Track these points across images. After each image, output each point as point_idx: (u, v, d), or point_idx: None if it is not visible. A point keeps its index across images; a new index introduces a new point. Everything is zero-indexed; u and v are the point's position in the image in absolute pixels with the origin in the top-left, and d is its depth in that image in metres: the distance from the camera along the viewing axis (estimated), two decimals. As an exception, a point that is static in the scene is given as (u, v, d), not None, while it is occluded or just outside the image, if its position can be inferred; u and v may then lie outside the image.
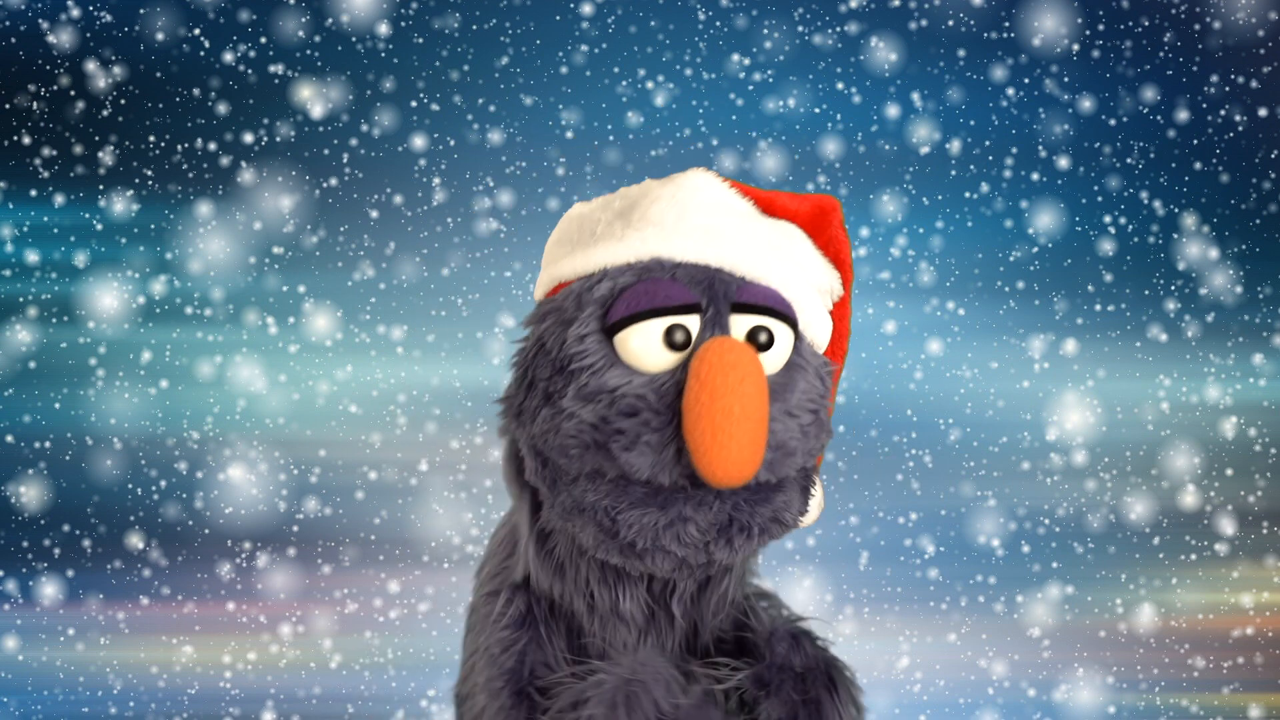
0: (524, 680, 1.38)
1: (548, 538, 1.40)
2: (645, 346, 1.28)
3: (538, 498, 1.38)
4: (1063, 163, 2.65)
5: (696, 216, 1.34)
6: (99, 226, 2.61)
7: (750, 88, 2.63)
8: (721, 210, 1.37)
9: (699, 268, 1.31)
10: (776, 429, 1.27)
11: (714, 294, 1.30)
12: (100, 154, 2.60)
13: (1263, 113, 2.64)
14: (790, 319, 1.33)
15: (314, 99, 2.61)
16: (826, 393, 1.36)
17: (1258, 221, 2.66)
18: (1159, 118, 2.65)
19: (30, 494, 2.58)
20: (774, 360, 1.31)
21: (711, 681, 1.36)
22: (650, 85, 2.63)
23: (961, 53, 2.64)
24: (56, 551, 2.58)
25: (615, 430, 1.25)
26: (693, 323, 1.28)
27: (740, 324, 1.30)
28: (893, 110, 2.64)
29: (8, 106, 2.60)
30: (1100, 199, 2.65)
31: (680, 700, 1.30)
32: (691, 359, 1.24)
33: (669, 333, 1.27)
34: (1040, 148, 2.65)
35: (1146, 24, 2.65)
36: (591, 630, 1.41)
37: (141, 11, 2.60)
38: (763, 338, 1.30)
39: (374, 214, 2.62)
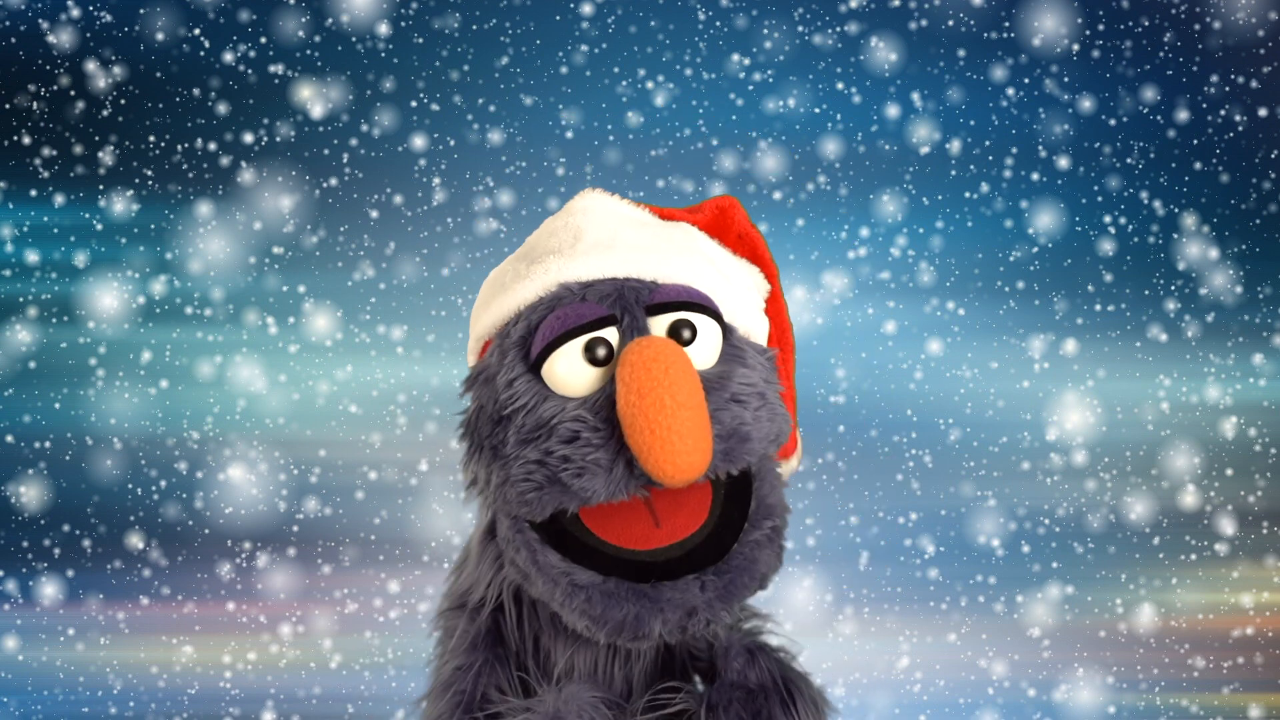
0: (474, 705, 1.38)
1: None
2: (570, 370, 1.27)
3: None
4: (1063, 163, 2.65)
5: (592, 234, 1.35)
6: (99, 226, 2.61)
7: (750, 88, 2.63)
8: (617, 221, 1.37)
9: (606, 281, 1.31)
10: (724, 417, 1.26)
11: (625, 302, 1.29)
12: (100, 154, 2.60)
13: (1263, 113, 2.64)
14: (711, 310, 1.31)
15: (314, 99, 2.61)
16: (771, 378, 1.34)
17: (1258, 221, 2.65)
18: (1159, 118, 2.65)
19: (30, 494, 2.58)
20: (704, 352, 1.30)
21: (650, 710, 1.34)
22: (650, 85, 2.63)
23: (961, 53, 2.64)
24: (56, 551, 2.58)
25: (561, 459, 1.23)
26: (612, 335, 1.28)
27: (659, 324, 1.29)
28: (893, 110, 2.64)
29: (8, 106, 2.60)
30: (1100, 199, 2.65)
31: None
32: (617, 368, 1.23)
33: (588, 349, 1.27)
34: (1040, 148, 2.65)
35: (1146, 24, 2.65)
36: (555, 652, 1.40)
37: (141, 11, 2.60)
38: (686, 333, 1.29)
39: (374, 214, 2.62)
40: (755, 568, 1.29)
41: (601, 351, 1.27)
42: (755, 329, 1.38)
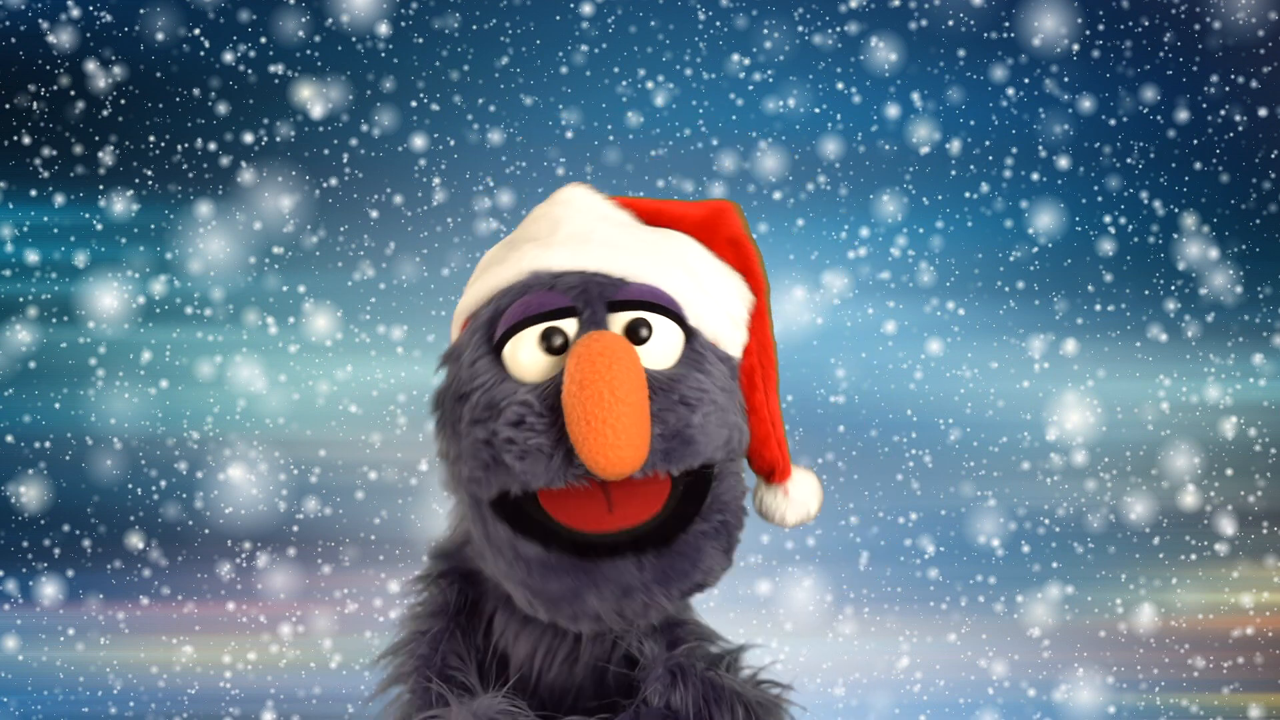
0: (436, 668, 1.39)
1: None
2: (526, 356, 1.30)
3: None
4: (1063, 163, 2.65)
5: (569, 226, 1.37)
6: (99, 226, 2.61)
7: (750, 88, 2.63)
8: (596, 218, 1.39)
9: (575, 274, 1.33)
10: (669, 418, 1.27)
11: (589, 296, 1.31)
12: (100, 154, 2.60)
13: (1263, 113, 2.64)
14: (673, 313, 1.33)
15: (314, 99, 2.61)
16: (730, 385, 1.35)
17: (1258, 221, 2.66)
18: (1159, 118, 2.65)
19: (30, 494, 2.58)
20: (660, 353, 1.31)
21: None
22: (650, 85, 2.63)
23: (961, 53, 2.64)
24: (56, 551, 2.58)
25: (506, 441, 1.26)
26: (570, 326, 1.30)
27: (618, 321, 1.31)
28: (893, 110, 2.64)
29: (8, 106, 2.60)
30: (1100, 199, 2.65)
31: None
32: (566, 359, 1.25)
33: (544, 337, 1.29)
34: (1040, 148, 2.65)
35: (1146, 24, 2.65)
36: (506, 632, 1.41)
37: (141, 11, 2.60)
38: (643, 331, 1.30)
39: (374, 214, 2.62)
40: (698, 556, 1.30)
41: (557, 341, 1.29)
42: (726, 337, 1.39)
